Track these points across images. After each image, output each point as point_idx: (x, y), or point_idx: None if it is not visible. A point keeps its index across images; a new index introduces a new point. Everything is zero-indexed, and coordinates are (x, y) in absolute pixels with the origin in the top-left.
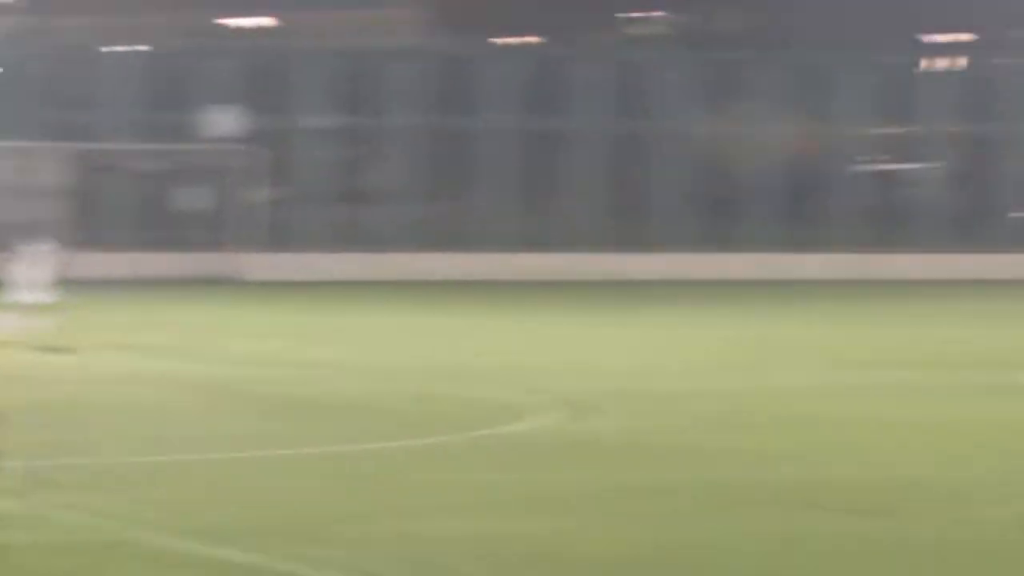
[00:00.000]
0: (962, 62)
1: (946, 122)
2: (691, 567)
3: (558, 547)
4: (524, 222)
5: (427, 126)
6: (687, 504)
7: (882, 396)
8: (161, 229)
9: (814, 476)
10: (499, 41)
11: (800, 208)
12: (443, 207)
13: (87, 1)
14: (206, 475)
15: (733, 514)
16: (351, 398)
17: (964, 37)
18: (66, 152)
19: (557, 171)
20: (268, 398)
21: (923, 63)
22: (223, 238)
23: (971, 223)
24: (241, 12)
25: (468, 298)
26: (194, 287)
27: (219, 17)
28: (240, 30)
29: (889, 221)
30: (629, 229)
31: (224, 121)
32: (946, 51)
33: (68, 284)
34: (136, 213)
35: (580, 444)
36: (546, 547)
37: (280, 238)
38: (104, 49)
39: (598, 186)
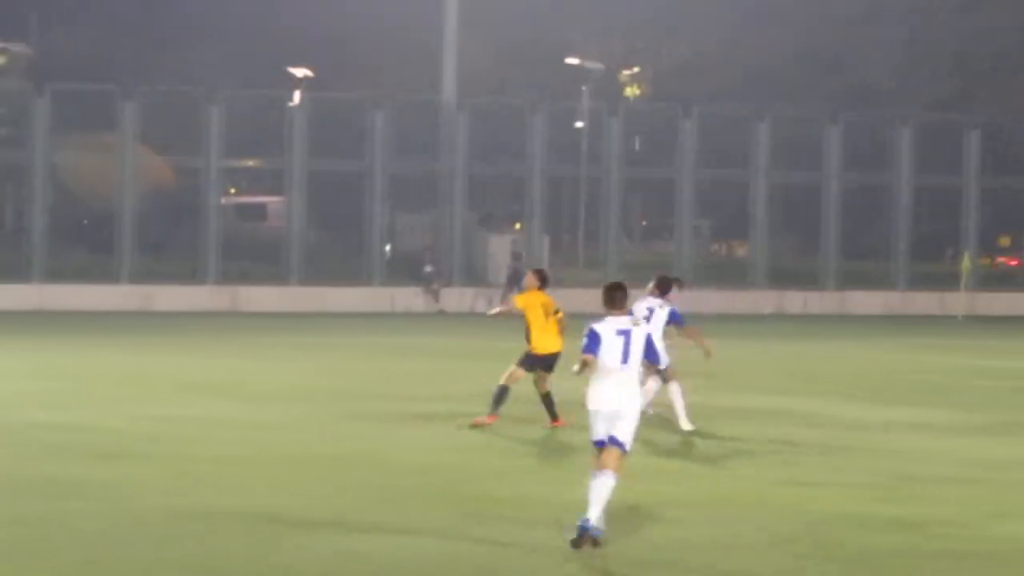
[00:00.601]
0: (325, 95)
1: (306, 155)
2: None
3: None
4: None
5: None
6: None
7: (267, 428)
8: None
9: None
10: None
11: (163, 240)
12: None
13: None
14: None
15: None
16: None
17: (312, 71)
18: None
19: None
20: None
21: (293, 96)
22: None
23: (338, 257)
24: None
25: None
26: None
27: None
28: None
29: (251, 254)
30: None
31: None
32: (305, 84)
33: None
34: None
35: None
36: None
37: None
38: None
39: None
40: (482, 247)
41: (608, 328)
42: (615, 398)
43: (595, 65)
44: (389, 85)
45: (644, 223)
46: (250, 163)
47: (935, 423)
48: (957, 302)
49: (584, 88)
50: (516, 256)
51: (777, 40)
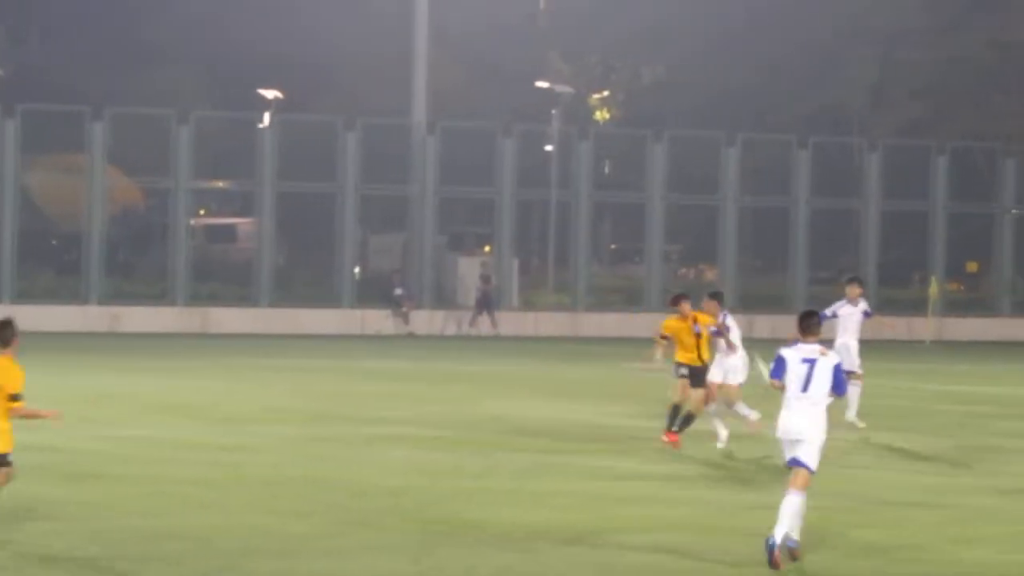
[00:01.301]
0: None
1: (276, 177)
2: None
3: None
4: None
5: None
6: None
7: (239, 450)
8: None
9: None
10: None
11: (132, 261)
12: None
13: None
14: None
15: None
16: None
17: (283, 93)
18: None
19: None
20: None
21: (263, 118)
22: None
23: (308, 279)
24: None
25: None
26: None
27: None
28: None
29: (221, 275)
30: None
31: None
32: (275, 106)
33: None
34: None
35: None
36: None
37: None
38: None
39: None
40: (451, 269)
41: (795, 355)
42: (795, 427)
43: (565, 89)
44: (360, 107)
45: (613, 247)
46: (220, 184)
47: (903, 448)
48: (925, 327)
49: (554, 111)
50: (485, 279)
51: (748, 62)
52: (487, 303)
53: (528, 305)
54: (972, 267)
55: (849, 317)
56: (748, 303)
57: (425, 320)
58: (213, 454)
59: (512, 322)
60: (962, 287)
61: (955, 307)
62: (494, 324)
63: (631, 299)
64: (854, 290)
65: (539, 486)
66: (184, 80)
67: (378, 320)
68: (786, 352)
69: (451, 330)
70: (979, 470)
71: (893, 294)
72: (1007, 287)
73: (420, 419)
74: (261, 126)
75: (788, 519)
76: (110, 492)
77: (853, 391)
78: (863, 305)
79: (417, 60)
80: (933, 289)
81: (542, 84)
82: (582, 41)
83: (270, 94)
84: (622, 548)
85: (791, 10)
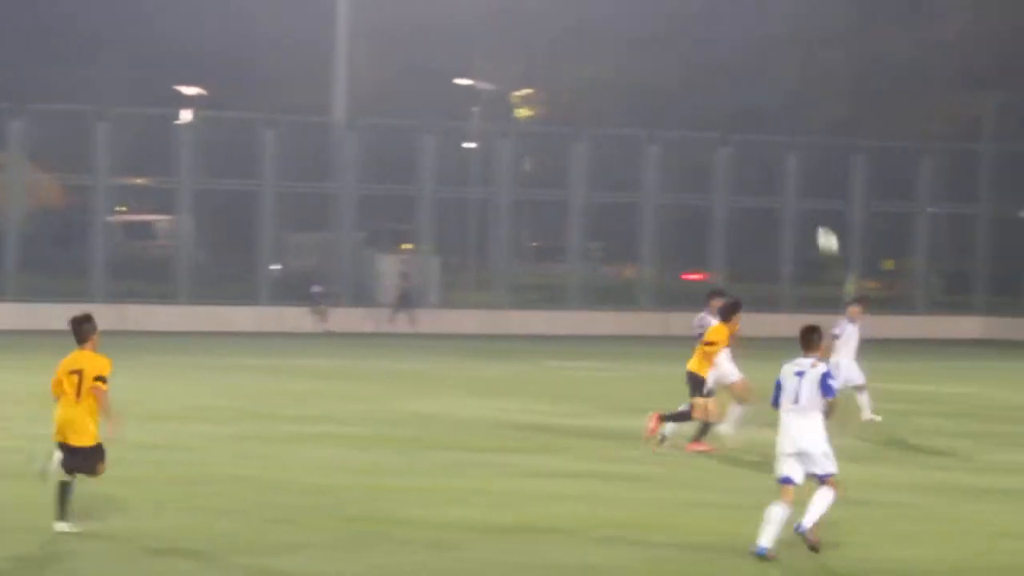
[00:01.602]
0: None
1: (196, 174)
2: None
3: None
4: None
5: None
6: None
7: (159, 448)
8: None
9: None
10: None
11: (51, 258)
12: None
13: None
14: None
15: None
16: None
17: (204, 90)
18: None
19: None
20: None
21: (181, 115)
22: None
23: (227, 276)
24: None
25: None
26: None
27: None
28: None
29: (140, 272)
30: None
31: None
32: (197, 103)
33: None
34: None
35: None
36: None
37: None
38: None
39: None
40: (371, 267)
41: (788, 370)
42: (795, 439)
43: (486, 86)
44: (282, 104)
45: (534, 244)
46: (139, 181)
47: (836, 446)
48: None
49: (475, 109)
50: (404, 276)
51: (671, 62)
52: (406, 301)
53: (449, 303)
54: (888, 265)
55: (850, 336)
56: (667, 301)
57: (343, 318)
58: (136, 452)
59: (433, 320)
60: (879, 285)
61: (871, 305)
62: (412, 322)
63: (553, 297)
64: (855, 310)
65: (462, 484)
66: (104, 76)
67: (296, 317)
68: (782, 372)
69: (369, 327)
70: (909, 467)
71: (810, 292)
72: (922, 285)
73: (342, 417)
74: (178, 122)
75: (818, 511)
76: (29, 492)
77: (863, 398)
78: (859, 325)
79: (337, 57)
80: (850, 287)
81: (463, 81)
82: (504, 39)
83: (190, 91)
84: (548, 546)
85: (713, 10)
